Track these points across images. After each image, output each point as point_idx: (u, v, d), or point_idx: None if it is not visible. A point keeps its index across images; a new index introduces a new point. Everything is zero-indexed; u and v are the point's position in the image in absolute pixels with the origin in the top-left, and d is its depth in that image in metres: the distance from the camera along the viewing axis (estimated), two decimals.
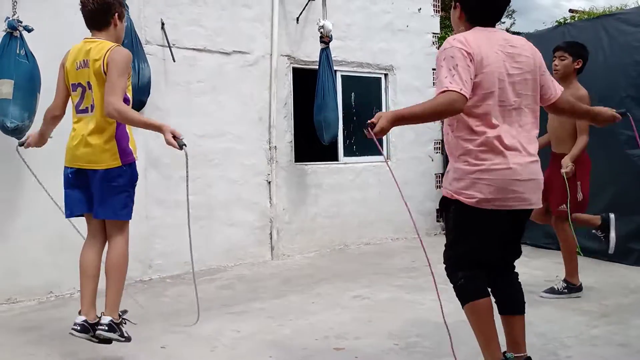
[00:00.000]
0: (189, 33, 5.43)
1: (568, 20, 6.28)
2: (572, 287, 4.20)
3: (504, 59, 2.34)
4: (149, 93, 5.01)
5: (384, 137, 6.91)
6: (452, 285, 2.55)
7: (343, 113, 6.53)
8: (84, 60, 3.06)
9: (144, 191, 5.12)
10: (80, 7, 3.15)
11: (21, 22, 4.18)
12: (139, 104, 4.97)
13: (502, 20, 13.28)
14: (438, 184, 7.35)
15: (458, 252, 2.47)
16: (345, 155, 6.68)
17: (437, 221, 7.36)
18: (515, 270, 2.65)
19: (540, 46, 6.24)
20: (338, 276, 5.14)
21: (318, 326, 3.71)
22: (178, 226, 5.34)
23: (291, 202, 6.15)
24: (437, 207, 7.35)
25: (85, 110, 3.11)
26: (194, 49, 5.46)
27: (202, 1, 5.49)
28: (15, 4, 4.23)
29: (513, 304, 2.54)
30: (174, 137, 2.93)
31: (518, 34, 7.59)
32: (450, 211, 2.47)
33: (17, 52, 4.13)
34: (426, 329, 3.59)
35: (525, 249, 5.97)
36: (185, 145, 2.95)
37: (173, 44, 5.27)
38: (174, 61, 5.26)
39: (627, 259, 5.17)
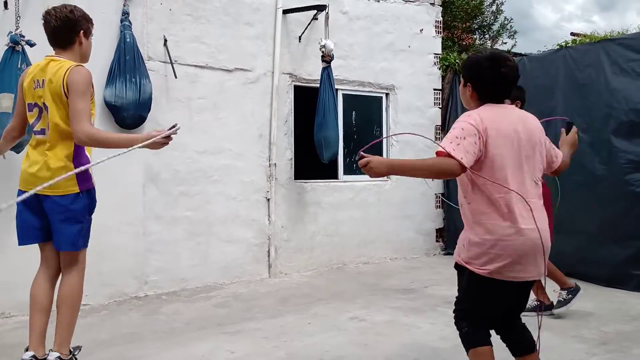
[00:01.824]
0: (191, 50, 5.45)
1: (569, 44, 6.27)
2: (572, 290, 4.28)
3: (519, 134, 2.42)
4: (149, 109, 5.01)
5: (385, 154, 6.92)
6: (452, 315, 2.64)
7: (343, 131, 6.53)
8: (41, 79, 2.87)
9: (142, 207, 5.11)
10: (42, 22, 2.92)
11: (24, 37, 4.21)
12: (139, 120, 4.99)
13: (505, 41, 13.35)
14: (438, 204, 7.33)
15: (465, 307, 2.55)
16: (345, 173, 6.67)
17: (437, 241, 7.32)
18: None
19: (542, 68, 6.28)
20: (335, 296, 5.09)
21: (313, 348, 3.66)
22: (175, 242, 5.33)
23: (290, 220, 6.12)
24: (437, 227, 7.33)
25: (41, 132, 2.91)
26: (195, 66, 5.48)
27: (204, 19, 5.53)
28: (18, 18, 4.25)
29: (522, 345, 2.60)
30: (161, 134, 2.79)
31: (520, 55, 7.63)
32: (464, 273, 2.53)
33: (19, 66, 4.15)
34: (423, 353, 3.54)
35: None
36: (177, 125, 2.83)
37: (175, 61, 5.29)
38: (176, 77, 5.27)
39: (628, 284, 5.11)
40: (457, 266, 2.59)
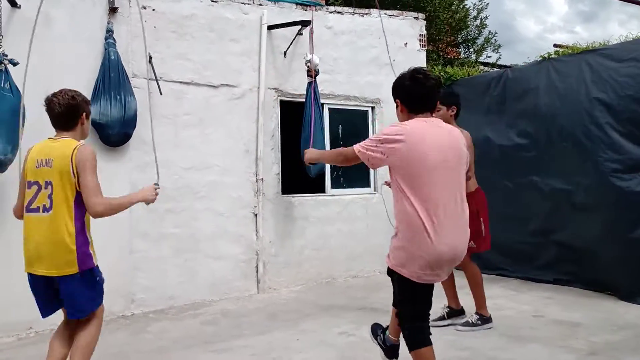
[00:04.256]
0: (176, 66, 5.45)
1: (552, 55, 6.35)
2: (484, 319, 4.27)
3: (440, 145, 2.65)
4: (134, 126, 5.00)
5: (371, 171, 6.93)
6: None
7: (330, 145, 6.54)
8: (46, 159, 2.95)
9: (127, 225, 5.06)
10: (45, 108, 3.04)
11: (6, 56, 4.19)
12: (124, 137, 4.97)
13: (489, 54, 13.50)
14: None
15: (403, 310, 2.86)
16: (332, 187, 6.67)
17: None
18: None
19: (524, 79, 6.33)
20: (324, 311, 5.06)
21: None
22: (162, 260, 5.29)
23: (278, 235, 6.10)
24: None
25: (36, 210, 2.93)
26: (181, 82, 5.48)
27: (189, 35, 5.54)
28: (0, 38, 4.23)
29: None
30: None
31: (505, 67, 7.72)
32: (394, 277, 2.82)
33: (2, 85, 4.12)
34: None
35: (513, 282, 6.00)
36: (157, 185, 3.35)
37: (160, 77, 5.28)
38: (161, 94, 5.27)
39: (616, 292, 5.13)
40: (389, 271, 2.84)
